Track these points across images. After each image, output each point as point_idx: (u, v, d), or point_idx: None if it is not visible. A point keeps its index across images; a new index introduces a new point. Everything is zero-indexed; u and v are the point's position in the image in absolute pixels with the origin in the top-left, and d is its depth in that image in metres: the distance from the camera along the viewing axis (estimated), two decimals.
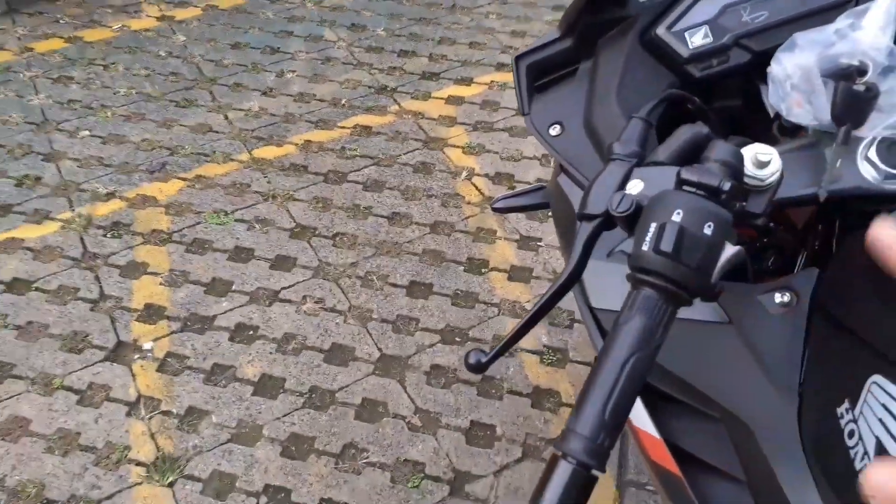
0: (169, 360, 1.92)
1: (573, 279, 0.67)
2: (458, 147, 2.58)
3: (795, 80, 0.68)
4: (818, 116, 0.67)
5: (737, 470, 0.73)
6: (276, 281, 2.11)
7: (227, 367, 1.90)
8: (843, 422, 0.57)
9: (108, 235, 2.27)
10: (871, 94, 0.65)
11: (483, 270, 2.14)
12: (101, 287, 2.11)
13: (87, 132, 2.66)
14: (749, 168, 0.65)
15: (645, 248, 0.59)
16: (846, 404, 0.57)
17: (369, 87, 2.86)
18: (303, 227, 2.27)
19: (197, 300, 2.06)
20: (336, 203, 2.35)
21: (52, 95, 2.84)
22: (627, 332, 0.59)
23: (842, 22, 0.70)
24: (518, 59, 0.92)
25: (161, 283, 2.11)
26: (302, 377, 1.87)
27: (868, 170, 0.67)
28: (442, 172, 2.49)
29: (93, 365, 1.91)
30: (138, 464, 1.70)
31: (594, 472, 0.57)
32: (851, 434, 0.55)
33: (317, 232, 2.25)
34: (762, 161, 0.64)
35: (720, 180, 0.59)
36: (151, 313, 2.03)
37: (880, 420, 0.52)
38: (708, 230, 0.58)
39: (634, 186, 0.64)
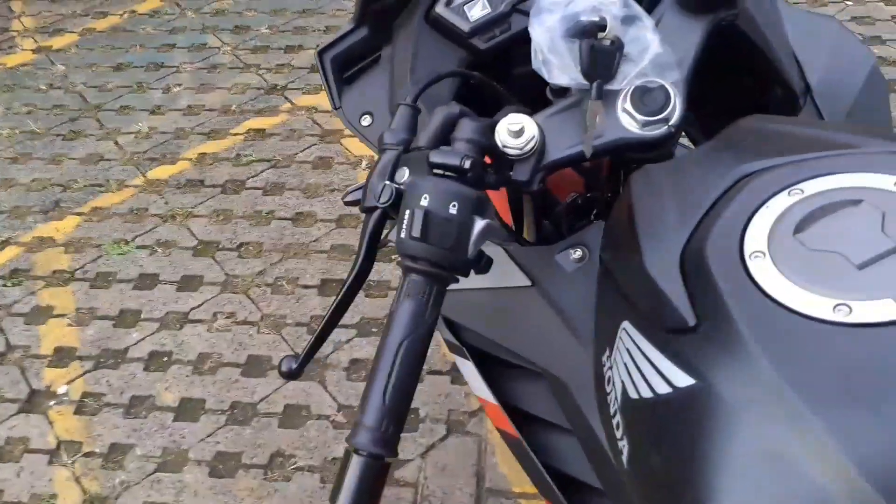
0: (86, 400, 1.89)
1: (362, 274, 0.68)
2: (354, 137, 2.56)
3: (548, 42, 0.70)
4: (574, 76, 0.69)
5: (563, 420, 0.77)
6: (184, 303, 2.09)
7: (145, 397, 1.88)
8: (605, 369, 0.60)
9: (9, 284, 2.21)
10: (615, 47, 0.67)
11: (393, 257, 2.15)
12: (6, 338, 2.06)
13: None
14: (505, 139, 0.67)
15: (403, 235, 0.61)
16: (607, 352, 0.60)
17: (258, 89, 2.82)
18: (206, 244, 2.25)
19: (107, 335, 2.03)
20: (237, 213, 2.33)
21: None
22: (398, 318, 0.61)
23: None
24: (321, 53, 0.92)
25: (69, 324, 2.07)
26: (221, 395, 1.87)
27: (627, 120, 0.69)
28: (342, 164, 2.48)
29: (7, 419, 1.87)
30: None
31: (387, 459, 0.60)
32: (609, 381, 0.58)
33: (220, 246, 2.23)
34: (514, 130, 0.66)
35: (461, 159, 0.62)
36: (62, 356, 2.00)
37: (625, 365, 0.55)
38: (454, 210, 0.61)
39: (401, 175, 0.66)
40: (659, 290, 0.53)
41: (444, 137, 0.67)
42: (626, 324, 0.57)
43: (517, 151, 0.68)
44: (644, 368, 0.53)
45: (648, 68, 0.68)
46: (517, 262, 0.81)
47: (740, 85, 0.89)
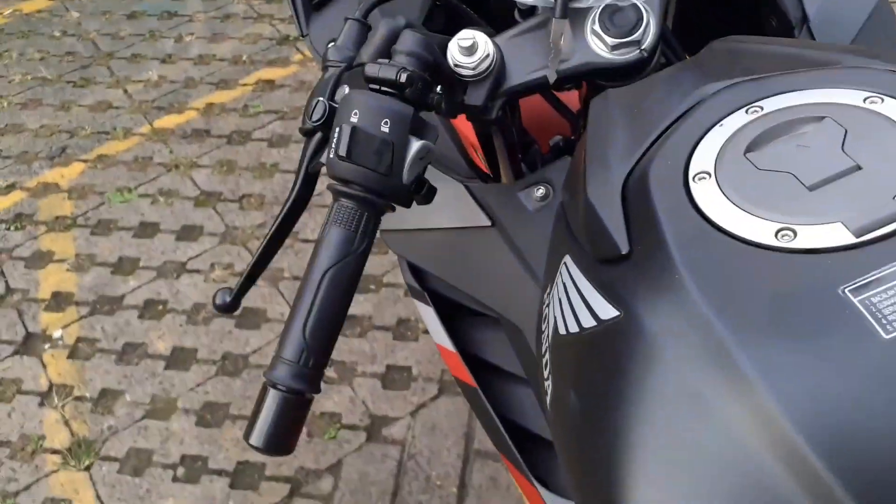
0: (80, 345, 1.88)
1: (300, 201, 0.63)
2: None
3: None
4: None
5: (520, 370, 0.72)
6: (182, 252, 2.06)
7: (137, 344, 1.87)
8: (543, 307, 0.54)
9: (11, 228, 2.20)
10: None
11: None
12: (6, 281, 2.06)
13: None
14: (457, 56, 0.61)
15: (331, 154, 0.56)
16: (549, 288, 0.54)
17: (270, 40, 2.76)
18: (208, 194, 2.21)
19: (104, 282, 2.02)
20: (241, 164, 2.29)
21: None
22: (324, 246, 0.56)
23: None
24: None
25: (68, 270, 2.06)
26: (214, 346, 1.84)
27: (596, 42, 0.62)
28: None
29: (1, 360, 1.87)
30: (54, 452, 1.68)
31: (307, 395, 0.55)
32: (544, 318, 0.52)
33: (222, 197, 2.19)
34: (465, 46, 0.60)
35: (397, 72, 0.55)
36: (60, 301, 1.99)
37: (559, 301, 0.49)
38: (385, 127, 0.55)
39: (341, 92, 0.60)
40: (597, 218, 0.47)
41: (386, 52, 0.60)
42: (567, 258, 0.51)
43: (470, 71, 0.61)
44: (574, 302, 0.46)
45: None
46: (477, 199, 0.74)
47: (732, 12, 0.80)
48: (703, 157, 0.44)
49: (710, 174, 0.43)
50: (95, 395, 1.77)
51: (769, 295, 0.36)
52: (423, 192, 0.61)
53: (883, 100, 0.43)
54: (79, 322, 1.93)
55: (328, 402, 1.70)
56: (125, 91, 2.63)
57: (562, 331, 0.47)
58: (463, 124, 0.85)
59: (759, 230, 0.39)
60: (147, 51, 2.79)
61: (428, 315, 0.84)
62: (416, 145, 0.56)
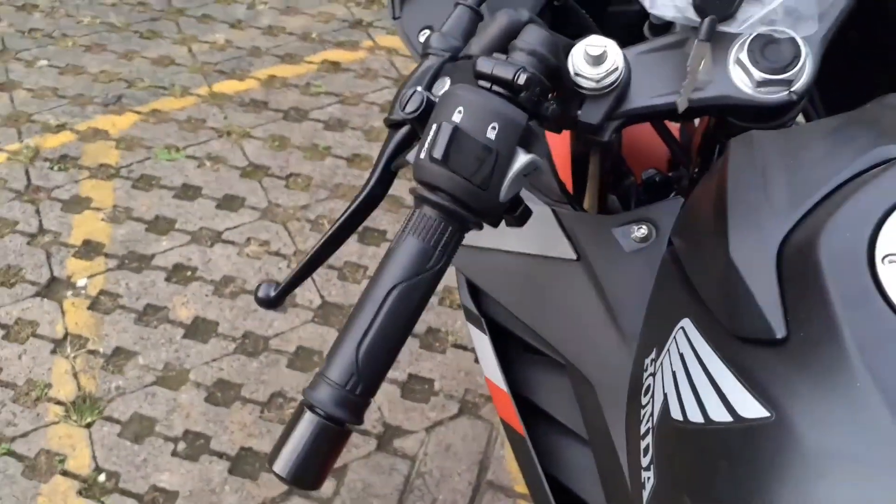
0: (101, 298, 1.83)
1: (371, 200, 0.55)
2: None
3: None
4: (681, 7, 0.53)
5: (580, 427, 0.63)
6: (220, 221, 2.00)
7: (160, 307, 1.81)
8: (646, 375, 0.45)
9: (55, 168, 2.17)
10: None
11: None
12: (40, 221, 2.02)
13: (45, 62, 2.55)
14: (580, 65, 0.52)
15: (423, 155, 0.48)
16: (653, 354, 0.45)
17: (343, 21, 2.71)
18: (255, 167, 2.16)
19: (137, 238, 1.97)
20: (294, 142, 2.23)
21: (14, 23, 2.73)
22: (396, 257, 0.48)
23: None
24: None
25: (103, 220, 2.02)
26: (237, 322, 1.78)
27: (739, 75, 0.54)
28: None
29: (23, 300, 1.83)
30: (58, 402, 1.63)
31: (347, 425, 0.47)
32: (648, 391, 0.44)
33: (269, 171, 2.14)
34: (593, 55, 0.51)
35: (516, 72, 0.47)
36: (89, 250, 1.95)
37: (674, 375, 0.41)
38: (492, 133, 0.46)
39: (440, 85, 0.52)
40: (743, 287, 0.38)
41: (502, 46, 0.52)
42: (685, 322, 0.42)
43: (592, 84, 0.53)
44: (699, 384, 0.38)
45: (779, 13, 0.52)
46: (565, 228, 0.66)
47: (882, 64, 0.71)
48: None
49: None
50: (109, 352, 1.72)
51: None
52: (517, 214, 0.53)
53: None
54: (105, 274, 1.89)
55: None
56: (189, 50, 2.59)
57: (676, 415, 0.39)
58: (553, 139, 0.77)
59: None
60: (218, 13, 2.75)
61: (482, 344, 0.76)
62: (523, 159, 0.48)
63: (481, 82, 0.49)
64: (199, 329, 1.77)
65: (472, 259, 0.74)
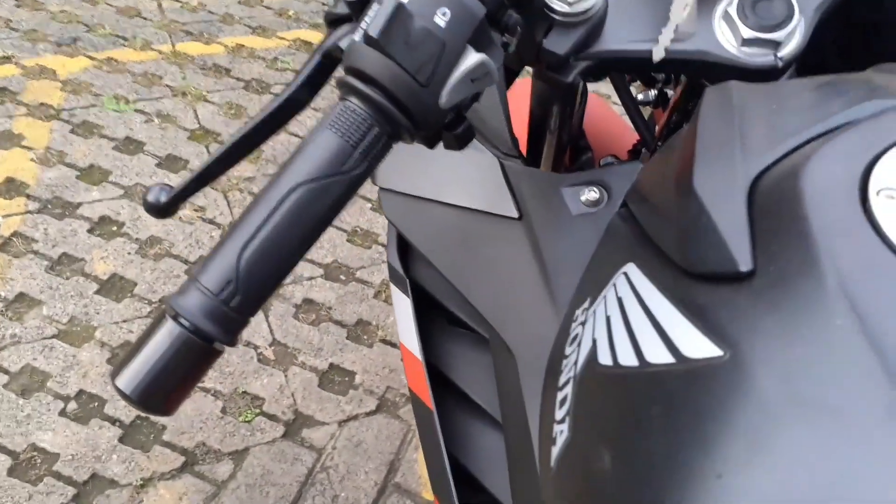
0: (14, 239, 1.71)
1: (294, 102, 0.47)
2: None
3: None
4: None
5: (496, 410, 0.56)
6: (159, 180, 1.90)
7: (76, 259, 1.69)
8: (573, 324, 0.39)
9: None
10: None
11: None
12: None
13: None
14: None
15: (357, 36, 0.41)
16: (586, 303, 0.39)
17: (324, 4, 2.64)
18: (206, 131, 2.06)
19: (66, 184, 1.85)
20: (250, 112, 2.14)
21: None
22: (308, 151, 0.41)
23: None
24: None
25: (32, 160, 1.90)
26: (156, 285, 1.67)
27: (725, 31, 0.48)
28: None
29: None
30: None
31: (216, 345, 0.40)
32: (574, 340, 0.37)
33: (219, 138, 2.04)
34: None
35: None
36: (11, 188, 1.82)
37: (608, 319, 0.34)
38: (442, 20, 0.40)
39: None
40: (705, 217, 0.33)
41: None
42: (629, 267, 0.37)
43: (564, 7, 0.47)
44: (637, 325, 0.32)
45: None
46: (510, 183, 0.59)
47: (878, 44, 0.67)
48: (893, 172, 0.30)
49: None
50: (11, 297, 1.59)
51: None
52: (457, 131, 0.46)
53: None
54: (23, 216, 1.76)
55: (256, 382, 1.53)
56: (159, 5, 2.49)
57: (605, 360, 0.32)
58: (512, 98, 0.71)
59: None
60: None
61: (402, 307, 0.68)
62: (473, 58, 0.41)
63: None
64: (114, 287, 1.66)
65: (405, 209, 0.67)
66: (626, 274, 0.36)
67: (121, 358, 0.40)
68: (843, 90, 0.40)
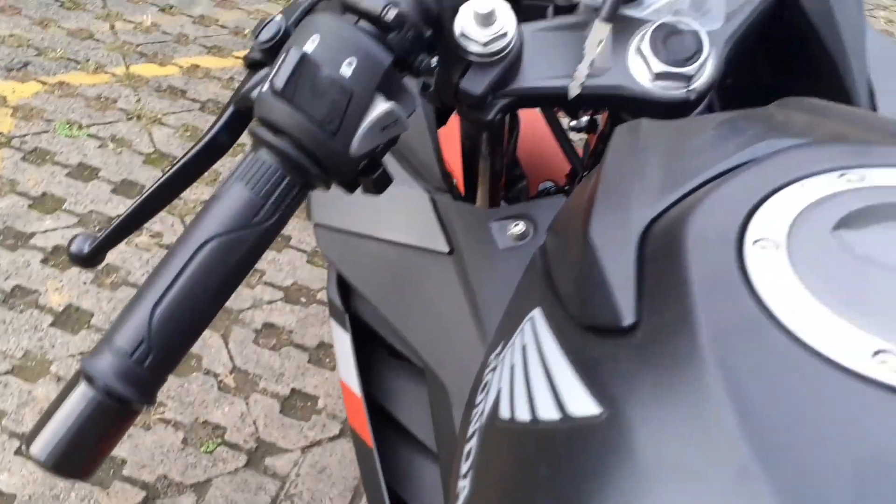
0: None
1: (215, 146, 0.48)
2: None
3: None
4: None
5: (431, 440, 0.57)
6: (113, 206, 1.87)
7: (30, 291, 1.66)
8: (486, 371, 0.40)
9: None
10: None
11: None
12: None
13: None
14: (467, 26, 0.47)
15: (265, 87, 0.41)
16: (499, 347, 0.39)
17: None
18: (161, 154, 2.04)
19: (18, 213, 1.82)
20: None
21: None
22: (217, 205, 0.41)
23: None
24: None
25: None
26: (113, 315, 1.65)
27: (638, 65, 0.50)
28: None
29: None
30: None
31: (134, 406, 0.40)
32: (484, 388, 0.38)
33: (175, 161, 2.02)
34: (481, 13, 0.46)
35: (386, 6, 0.42)
36: None
37: (511, 368, 0.35)
38: (348, 69, 0.40)
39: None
40: (597, 268, 0.33)
41: None
42: (536, 312, 0.37)
43: (478, 47, 0.48)
44: (534, 377, 0.33)
45: (686, 3, 0.49)
46: (441, 218, 0.61)
47: (790, 78, 0.69)
48: (771, 220, 0.31)
49: (777, 244, 0.30)
50: None
51: (851, 454, 0.22)
52: (372, 177, 0.46)
53: None
54: None
55: (217, 411, 1.52)
56: (112, 27, 2.46)
57: (504, 414, 0.33)
58: (447, 136, 0.72)
59: (846, 343, 0.26)
60: None
61: (341, 342, 0.69)
62: (381, 107, 0.42)
63: (348, 14, 0.43)
64: (70, 318, 1.63)
65: (341, 245, 0.68)
66: (532, 319, 0.37)
67: (35, 423, 0.40)
68: (742, 129, 0.42)
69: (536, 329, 0.36)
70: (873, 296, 0.28)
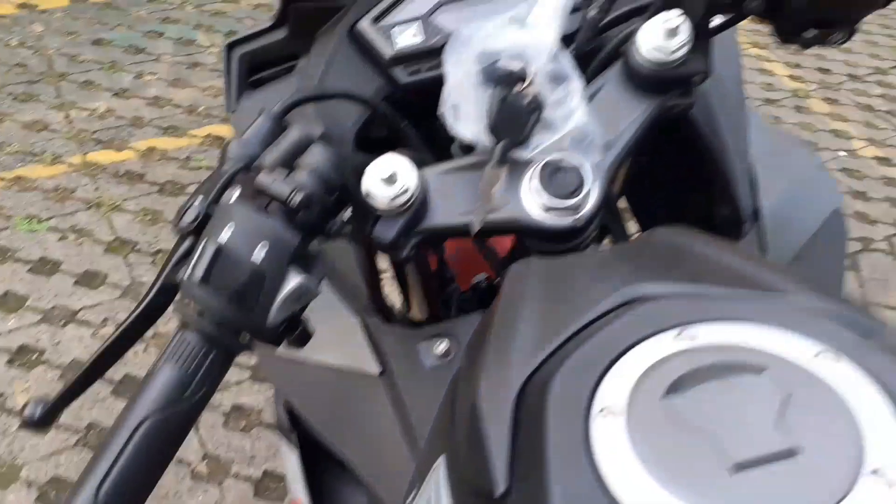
0: None
1: (151, 312, 0.52)
2: None
3: (459, 83, 0.55)
4: (479, 131, 0.55)
5: None
6: (77, 299, 1.89)
7: None
8: None
9: None
10: (532, 107, 0.53)
11: None
12: None
13: None
14: (370, 187, 0.53)
15: (187, 275, 0.46)
16: (412, 494, 0.43)
17: None
18: (123, 242, 2.06)
19: None
20: (167, 216, 2.15)
21: None
22: (149, 388, 0.45)
23: (520, 8, 0.57)
24: (230, 46, 0.75)
25: None
26: (81, 412, 1.65)
27: (530, 199, 0.55)
28: None
29: None
30: None
31: None
32: None
33: (137, 248, 2.05)
34: (382, 177, 0.52)
35: (292, 192, 0.47)
36: None
37: None
38: (261, 253, 0.45)
39: (230, 195, 0.51)
40: (480, 434, 0.36)
41: (291, 161, 0.52)
42: (441, 460, 0.40)
43: (384, 205, 0.53)
44: None
45: (567, 141, 0.54)
46: (372, 340, 0.64)
47: (687, 193, 0.75)
48: (616, 387, 0.34)
49: (617, 413, 0.33)
50: None
51: None
52: (295, 334, 0.51)
53: (837, 359, 0.35)
54: None
55: (191, 501, 1.52)
56: (67, 116, 2.49)
57: None
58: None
59: None
60: (102, 80, 2.67)
61: (290, 461, 0.72)
62: (292, 282, 0.47)
63: (259, 199, 0.48)
64: None
65: (283, 371, 0.71)
66: (438, 469, 0.39)
67: None
68: (609, 272, 0.46)
69: (440, 482, 0.39)
70: (689, 464, 0.32)
